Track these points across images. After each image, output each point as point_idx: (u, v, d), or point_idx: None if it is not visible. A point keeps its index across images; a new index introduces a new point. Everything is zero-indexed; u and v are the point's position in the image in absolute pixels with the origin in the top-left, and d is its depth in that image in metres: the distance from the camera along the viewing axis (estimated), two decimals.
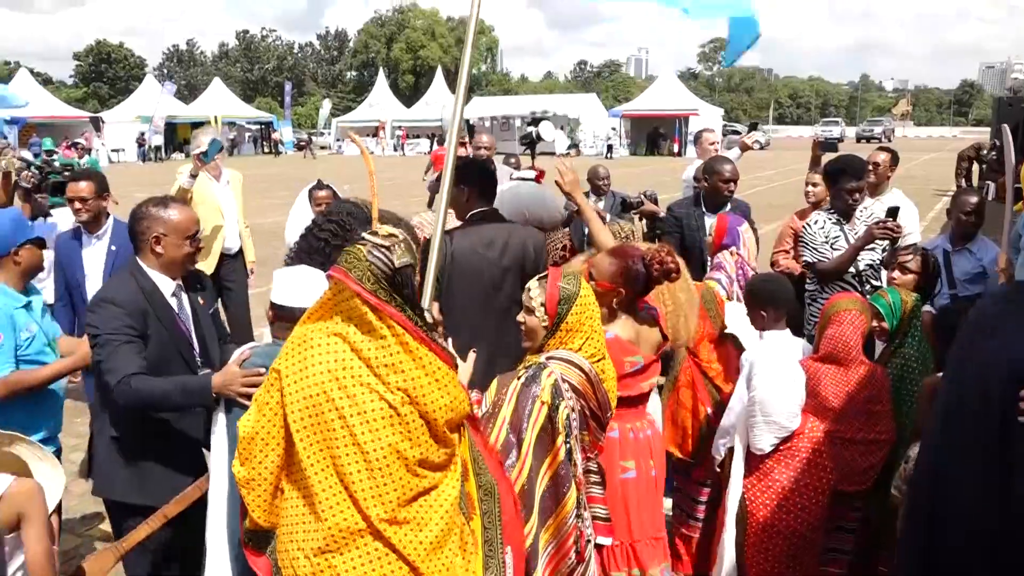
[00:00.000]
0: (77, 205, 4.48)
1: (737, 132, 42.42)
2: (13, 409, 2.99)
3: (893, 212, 4.22)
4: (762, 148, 40.63)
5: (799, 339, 3.72)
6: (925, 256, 3.96)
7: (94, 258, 4.57)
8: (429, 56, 78.95)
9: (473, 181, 3.70)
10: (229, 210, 6.11)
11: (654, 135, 45.05)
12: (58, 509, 2.62)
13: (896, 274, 3.94)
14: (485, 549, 2.23)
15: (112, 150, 42.38)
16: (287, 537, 2.08)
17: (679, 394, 3.74)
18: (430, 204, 5.97)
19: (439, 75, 55.54)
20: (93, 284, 4.42)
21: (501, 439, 2.43)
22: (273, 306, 2.66)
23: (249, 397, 2.34)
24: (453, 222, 3.64)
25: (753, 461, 3.36)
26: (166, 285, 2.98)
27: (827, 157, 5.68)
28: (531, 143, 6.05)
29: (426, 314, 2.34)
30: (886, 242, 4.31)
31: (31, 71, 53.23)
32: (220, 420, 2.66)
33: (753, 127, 7.83)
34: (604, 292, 3.00)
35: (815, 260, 4.42)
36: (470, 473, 2.24)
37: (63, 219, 5.41)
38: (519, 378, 2.52)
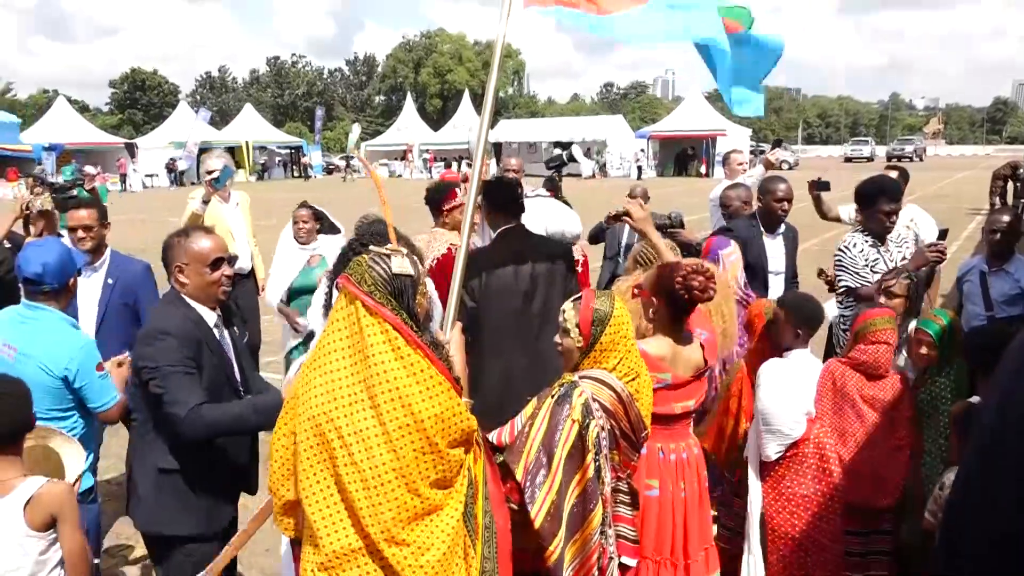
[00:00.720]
0: (80, 234, 4.24)
1: (764, 151, 42.38)
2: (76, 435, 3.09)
3: (943, 234, 4.22)
4: (791, 168, 40.49)
5: (817, 360, 3.74)
6: (911, 279, 3.91)
7: (89, 290, 4.25)
8: (456, 80, 79.68)
9: (496, 199, 3.87)
10: (239, 231, 6.32)
11: (682, 156, 45.02)
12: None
13: (882, 299, 3.84)
14: (482, 566, 2.21)
15: (146, 175, 43.20)
16: (303, 551, 2.14)
17: (728, 402, 3.73)
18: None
19: (466, 98, 56.02)
20: (86, 317, 4.18)
21: (532, 457, 2.45)
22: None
23: None
24: (475, 241, 3.81)
25: (765, 469, 3.41)
26: (209, 316, 2.99)
27: (829, 197, 5.87)
28: (559, 166, 6.23)
29: (436, 333, 2.39)
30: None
31: (69, 99, 54.53)
32: None
33: (777, 144, 7.84)
34: (645, 302, 3.14)
35: (857, 285, 4.30)
36: (479, 496, 2.23)
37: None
38: (552, 396, 2.57)
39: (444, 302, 2.99)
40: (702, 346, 3.17)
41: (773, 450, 3.36)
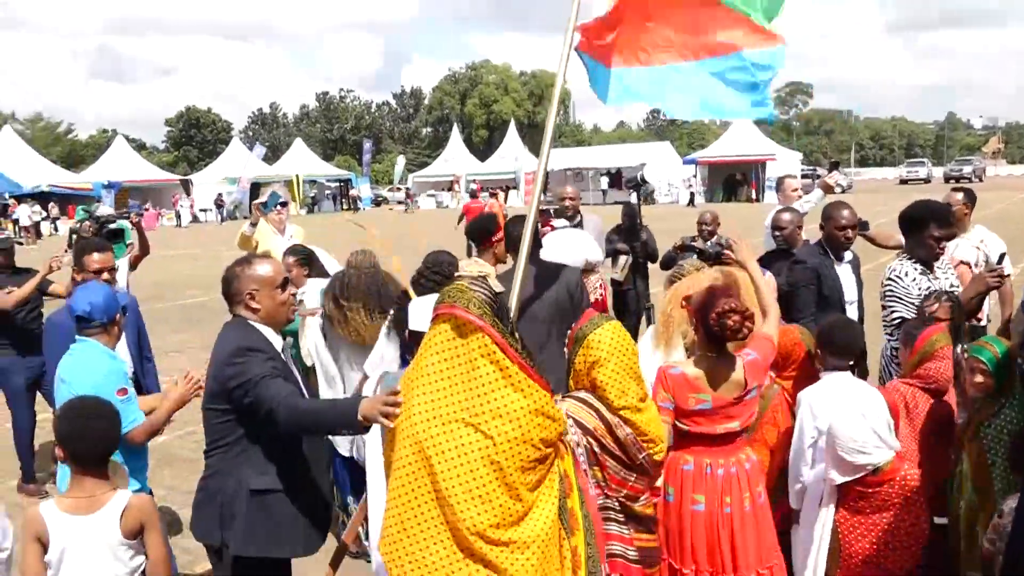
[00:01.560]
0: (106, 276, 4.32)
1: (817, 175, 41.71)
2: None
3: (1001, 257, 4.11)
4: (844, 191, 39.83)
5: (862, 380, 3.66)
6: (952, 301, 3.79)
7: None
8: (502, 110, 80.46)
9: (513, 236, 4.08)
10: None
11: (731, 181, 44.67)
12: None
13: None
14: (588, 565, 2.36)
15: (200, 210, 44.39)
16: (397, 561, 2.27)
17: (762, 430, 3.67)
18: (468, 253, 6.26)
19: (512, 128, 56.54)
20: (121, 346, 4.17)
21: None
22: (411, 333, 3.13)
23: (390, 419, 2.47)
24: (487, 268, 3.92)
25: (845, 495, 3.30)
26: (277, 341, 3.10)
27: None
28: (637, 185, 6.66)
29: None
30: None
31: (127, 138, 56.42)
32: (372, 440, 2.96)
33: (834, 167, 7.68)
34: (691, 317, 3.32)
35: (912, 316, 4.10)
36: (574, 489, 2.37)
37: (120, 270, 5.77)
38: None
39: None
40: (745, 367, 3.21)
41: (843, 473, 3.24)
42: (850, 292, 4.78)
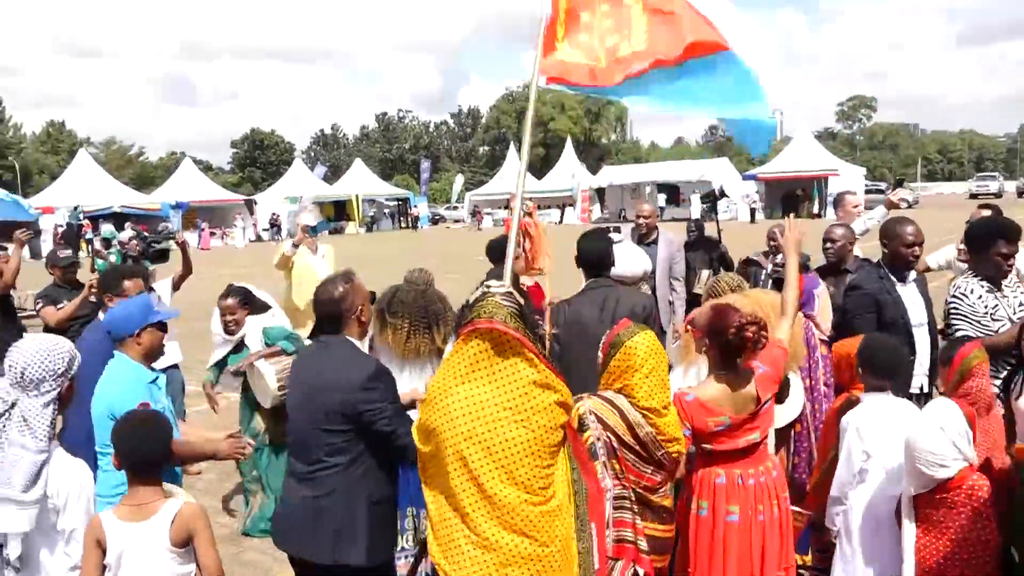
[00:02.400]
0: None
1: (881, 191, 40.76)
2: None
3: None
4: (909, 206, 38.78)
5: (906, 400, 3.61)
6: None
7: None
8: (559, 128, 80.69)
9: (582, 255, 4.42)
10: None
11: (791, 197, 43.88)
12: None
13: None
14: (576, 524, 2.66)
15: (263, 229, 45.48)
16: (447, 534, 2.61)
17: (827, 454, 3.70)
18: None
19: (568, 146, 56.61)
20: None
21: None
22: None
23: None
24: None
25: (921, 508, 3.25)
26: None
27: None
28: (714, 200, 6.77)
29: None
30: None
31: (194, 159, 58.23)
32: None
33: (899, 184, 7.49)
34: (698, 340, 3.40)
35: (977, 335, 4.01)
36: (569, 462, 2.72)
37: (163, 289, 6.24)
38: None
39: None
40: (756, 381, 3.29)
41: (920, 487, 3.21)
42: (917, 314, 4.50)
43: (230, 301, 5.28)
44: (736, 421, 3.23)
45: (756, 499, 3.27)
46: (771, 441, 3.65)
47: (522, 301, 2.69)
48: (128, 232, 6.37)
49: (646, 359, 2.97)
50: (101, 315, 4.37)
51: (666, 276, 6.64)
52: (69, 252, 6.97)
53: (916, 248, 4.50)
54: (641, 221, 6.75)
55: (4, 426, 2.57)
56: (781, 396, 3.62)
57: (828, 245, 5.40)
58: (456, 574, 2.56)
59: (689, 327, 3.50)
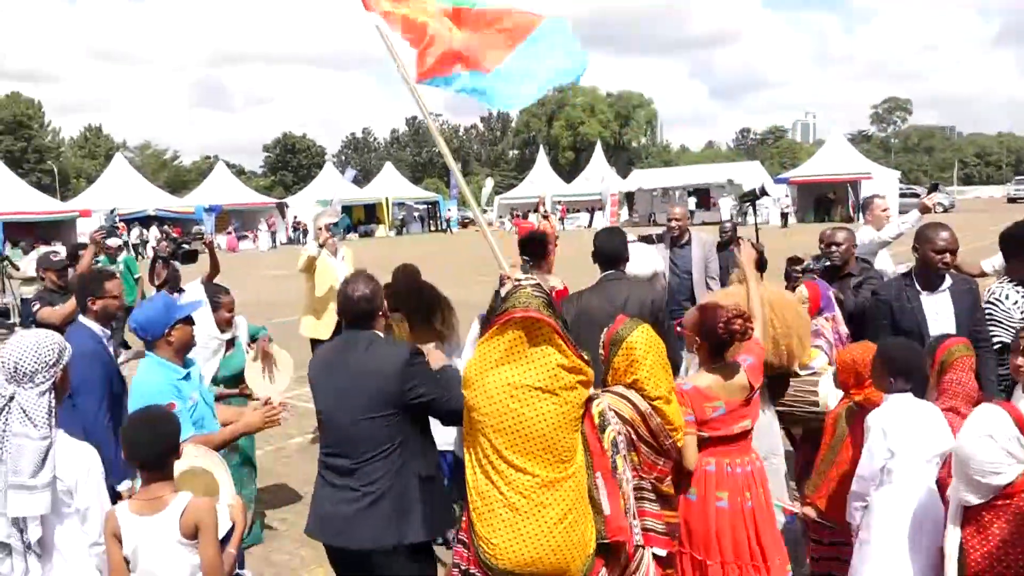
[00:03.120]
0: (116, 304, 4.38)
1: (916, 195, 40.08)
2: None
3: None
4: (945, 211, 38.14)
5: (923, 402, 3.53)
6: None
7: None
8: (588, 132, 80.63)
9: (597, 250, 4.57)
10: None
11: (823, 200, 43.36)
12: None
13: (1020, 360, 3.45)
14: (589, 480, 3.00)
15: (293, 230, 45.92)
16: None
17: (844, 452, 3.71)
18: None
19: (598, 150, 56.51)
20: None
21: None
22: None
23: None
24: (552, 281, 4.60)
25: (970, 512, 3.18)
26: None
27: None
28: (754, 199, 6.78)
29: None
30: None
31: (227, 163, 58.97)
32: None
33: (934, 188, 7.30)
34: (687, 338, 3.65)
35: (1011, 341, 3.88)
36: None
37: (193, 291, 6.05)
38: None
39: None
40: (746, 371, 3.56)
41: (979, 497, 3.13)
42: (941, 325, 4.25)
43: (229, 298, 5.32)
44: (729, 407, 3.49)
45: (743, 487, 3.48)
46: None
47: (549, 292, 3.05)
48: (155, 233, 6.62)
49: (647, 352, 3.20)
50: (82, 317, 4.28)
51: (703, 277, 6.61)
52: (62, 255, 7.13)
53: (947, 255, 4.28)
54: (673, 224, 6.73)
55: (5, 419, 2.66)
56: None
57: (832, 249, 5.36)
58: (492, 536, 2.89)
59: (679, 329, 3.73)
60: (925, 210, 6.40)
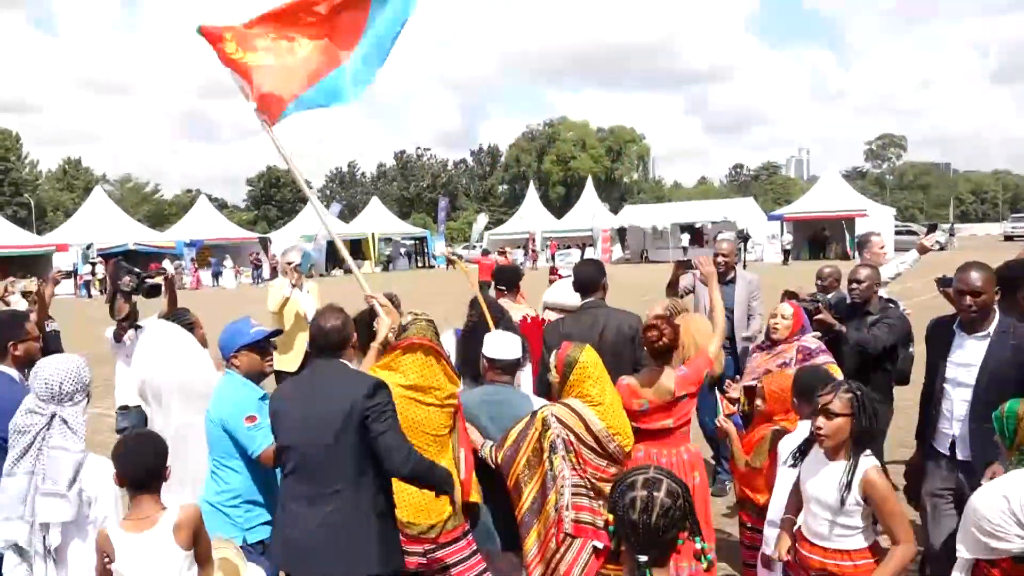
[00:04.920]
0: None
1: (912, 232, 40.44)
2: (256, 482, 3.70)
3: None
4: (942, 248, 38.41)
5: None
6: (854, 393, 3.23)
7: None
8: (579, 167, 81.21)
9: (577, 280, 5.02)
10: (311, 312, 7.21)
11: (818, 237, 43.67)
12: None
13: (820, 421, 3.24)
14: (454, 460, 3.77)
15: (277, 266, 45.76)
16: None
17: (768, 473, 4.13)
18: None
19: (589, 185, 56.77)
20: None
21: (508, 448, 3.80)
22: (488, 360, 4.05)
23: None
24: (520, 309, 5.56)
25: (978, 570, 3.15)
26: None
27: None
28: (742, 240, 7.14)
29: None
30: None
31: (209, 197, 59.01)
32: None
33: (932, 229, 7.40)
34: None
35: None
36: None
37: (152, 326, 6.27)
38: (529, 414, 3.83)
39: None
40: (676, 379, 4.18)
41: (972, 552, 3.11)
42: (965, 374, 4.03)
43: (195, 316, 5.43)
44: (653, 406, 4.15)
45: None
46: None
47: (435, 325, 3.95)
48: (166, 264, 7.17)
49: (594, 369, 3.88)
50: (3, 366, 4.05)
51: (744, 315, 6.49)
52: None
53: (965, 297, 4.00)
54: (720, 260, 6.44)
55: (45, 436, 2.98)
56: None
57: (853, 286, 5.41)
58: (401, 510, 3.56)
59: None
60: (923, 250, 6.46)
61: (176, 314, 5.30)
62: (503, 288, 5.80)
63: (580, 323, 4.74)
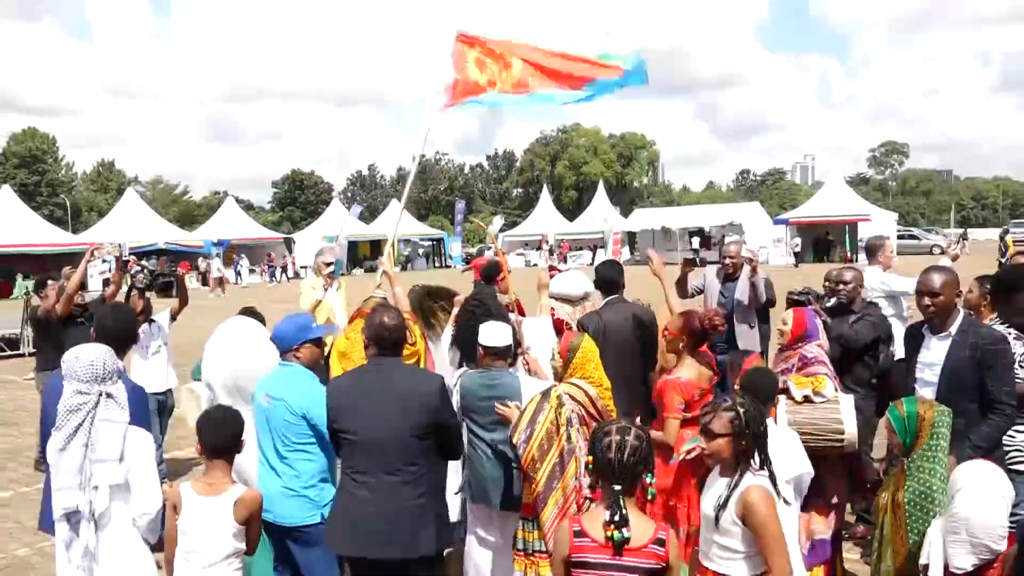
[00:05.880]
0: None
1: (914, 237, 40.07)
2: (328, 462, 3.96)
3: None
4: (942, 252, 38.02)
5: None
6: (737, 412, 3.04)
7: None
8: (591, 172, 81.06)
9: (599, 279, 5.62)
10: (339, 311, 7.48)
11: (822, 241, 43.44)
12: None
13: (703, 441, 3.18)
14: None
15: (301, 267, 46.04)
16: None
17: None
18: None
19: (601, 189, 56.76)
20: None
21: (523, 427, 3.79)
22: (483, 347, 4.17)
23: None
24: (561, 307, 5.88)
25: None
26: None
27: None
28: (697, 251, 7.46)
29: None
30: None
31: (236, 199, 59.31)
32: None
33: (964, 237, 7.42)
34: (673, 339, 4.56)
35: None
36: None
37: (163, 320, 6.98)
38: (540, 394, 3.90)
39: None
40: (711, 363, 4.50)
41: (969, 562, 3.03)
42: (930, 375, 4.08)
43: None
44: (704, 391, 4.37)
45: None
46: None
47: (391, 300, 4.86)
48: (134, 267, 7.15)
49: (594, 353, 4.22)
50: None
51: (745, 313, 6.52)
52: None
53: (924, 298, 4.07)
54: (728, 261, 6.67)
55: (93, 412, 3.19)
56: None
57: (840, 287, 5.54)
58: None
59: (666, 332, 4.65)
60: (955, 259, 6.47)
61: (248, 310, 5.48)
62: (487, 280, 6.45)
63: (611, 313, 5.37)
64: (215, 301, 28.74)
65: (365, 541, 3.46)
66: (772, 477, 3.03)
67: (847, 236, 41.10)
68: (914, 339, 4.25)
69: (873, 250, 6.68)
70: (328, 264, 7.71)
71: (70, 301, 6.85)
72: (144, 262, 7.52)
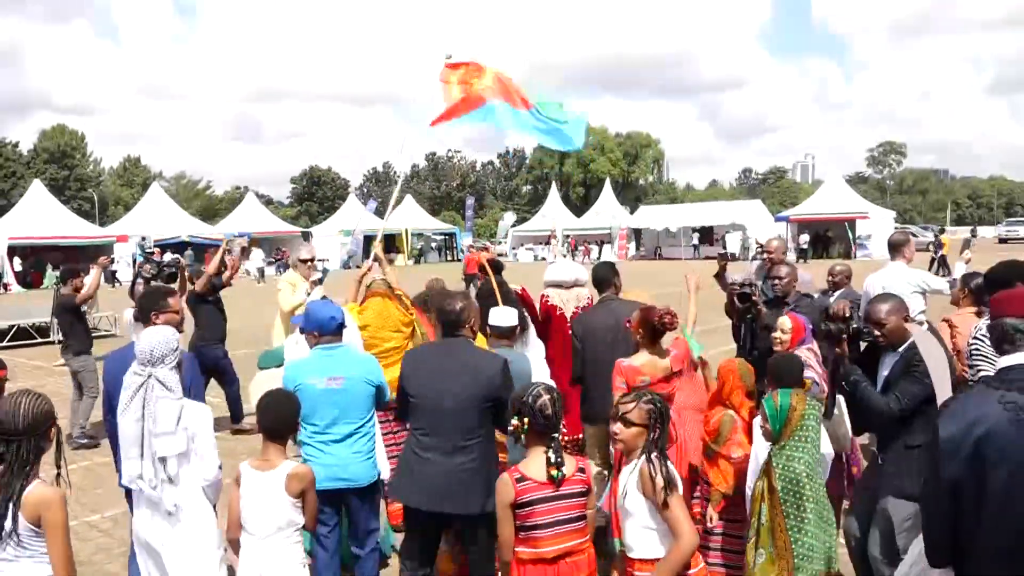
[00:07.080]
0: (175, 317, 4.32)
1: (912, 234, 39.71)
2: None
3: None
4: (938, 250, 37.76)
5: None
6: (654, 403, 3.13)
7: None
8: (598, 169, 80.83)
9: (595, 279, 5.65)
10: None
11: (822, 238, 43.21)
12: None
13: (617, 427, 3.16)
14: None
15: (319, 259, 46.06)
16: None
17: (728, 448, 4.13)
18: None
19: (607, 186, 56.63)
20: None
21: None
22: (491, 327, 4.68)
23: None
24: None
25: None
26: None
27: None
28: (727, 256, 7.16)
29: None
30: None
31: (256, 194, 59.41)
32: None
33: (973, 235, 7.52)
34: (633, 330, 4.53)
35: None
36: None
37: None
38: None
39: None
40: (671, 359, 4.48)
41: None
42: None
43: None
44: (653, 381, 4.30)
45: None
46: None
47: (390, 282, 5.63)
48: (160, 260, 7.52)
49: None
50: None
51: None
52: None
53: (871, 326, 3.99)
54: (766, 256, 6.56)
55: (146, 390, 3.37)
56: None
57: (775, 282, 5.66)
58: None
59: (628, 323, 4.61)
60: (968, 262, 6.44)
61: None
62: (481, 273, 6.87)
63: (601, 314, 5.39)
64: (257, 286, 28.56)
65: (425, 495, 3.76)
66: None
67: (847, 232, 40.94)
68: (873, 356, 4.12)
69: (897, 246, 6.51)
70: (304, 260, 7.48)
71: (207, 283, 7.82)
72: (177, 255, 7.76)
